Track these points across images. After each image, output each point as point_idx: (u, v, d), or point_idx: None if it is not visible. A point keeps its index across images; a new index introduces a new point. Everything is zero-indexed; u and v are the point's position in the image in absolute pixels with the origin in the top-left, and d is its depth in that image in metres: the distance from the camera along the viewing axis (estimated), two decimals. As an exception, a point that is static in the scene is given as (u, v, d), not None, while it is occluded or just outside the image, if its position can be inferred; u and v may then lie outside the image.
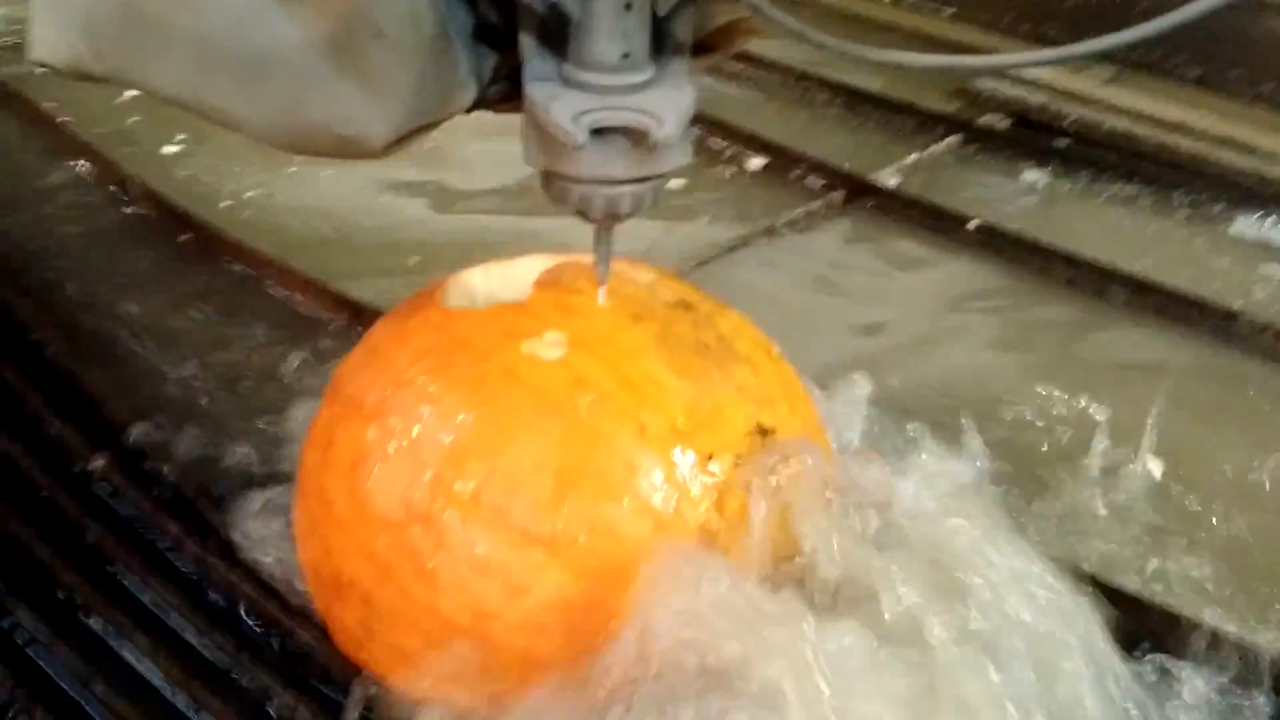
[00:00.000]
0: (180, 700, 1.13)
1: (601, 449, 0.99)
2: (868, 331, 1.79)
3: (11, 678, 1.12)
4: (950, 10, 2.87)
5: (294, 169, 2.11)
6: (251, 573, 1.24)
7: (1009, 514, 1.06)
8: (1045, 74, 2.53)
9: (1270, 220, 2.08)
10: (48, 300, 1.72)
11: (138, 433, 1.42)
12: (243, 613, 1.21)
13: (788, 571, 1.00)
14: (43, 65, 0.94)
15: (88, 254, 1.86)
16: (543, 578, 0.97)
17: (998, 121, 2.45)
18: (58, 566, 1.24)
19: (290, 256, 1.82)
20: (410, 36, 0.87)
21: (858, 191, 2.15)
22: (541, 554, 0.97)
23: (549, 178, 0.96)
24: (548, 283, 1.12)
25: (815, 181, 2.19)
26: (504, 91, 1.00)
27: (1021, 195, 2.22)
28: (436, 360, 1.04)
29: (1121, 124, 2.37)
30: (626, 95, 0.91)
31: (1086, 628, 0.98)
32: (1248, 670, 1.08)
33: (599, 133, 0.90)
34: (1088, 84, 2.51)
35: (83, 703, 1.12)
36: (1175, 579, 1.26)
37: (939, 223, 2.06)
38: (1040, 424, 1.53)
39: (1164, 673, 1.08)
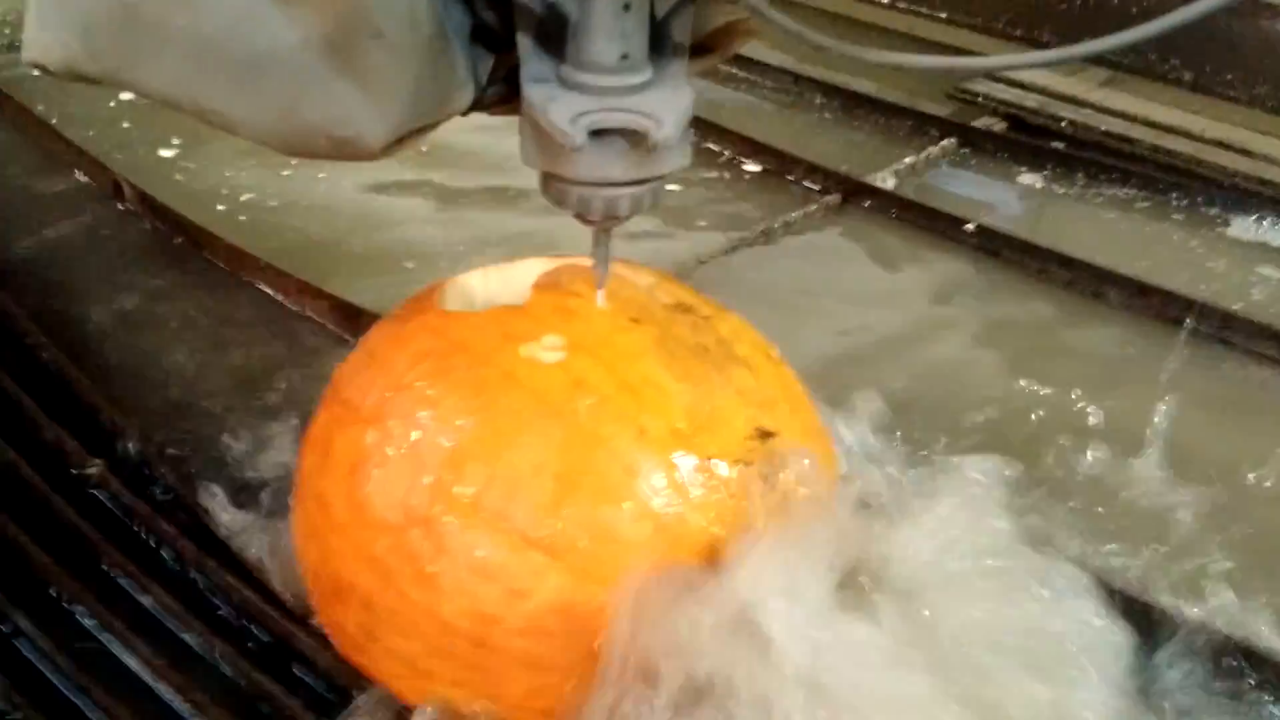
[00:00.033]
0: (180, 706, 1.12)
1: (601, 452, 0.99)
2: (865, 334, 1.78)
3: (11, 686, 1.11)
4: (943, 13, 2.87)
5: (289, 172, 2.11)
6: (251, 578, 1.23)
7: (1017, 515, 1.05)
8: (1040, 77, 2.54)
9: (1267, 222, 2.08)
10: (41, 304, 1.72)
11: (134, 437, 1.42)
12: (242, 618, 1.21)
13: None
14: (37, 67, 0.94)
15: (82, 258, 1.85)
16: (544, 582, 0.97)
17: (993, 124, 2.45)
18: (56, 573, 1.23)
19: (286, 260, 1.81)
20: (408, 37, 0.86)
21: (854, 194, 2.15)
22: (542, 558, 0.96)
23: (547, 179, 0.96)
24: (546, 285, 1.12)
25: (811, 184, 2.19)
26: (500, 93, 1.00)
27: (1017, 198, 2.22)
28: (435, 364, 1.04)
29: (1117, 127, 2.38)
30: (625, 96, 0.90)
31: (1100, 638, 0.97)
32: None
33: (597, 134, 0.89)
34: (1082, 87, 2.51)
35: (83, 709, 1.12)
36: (1187, 579, 1.26)
37: (935, 225, 2.06)
38: (1044, 426, 1.53)
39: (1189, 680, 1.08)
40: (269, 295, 1.77)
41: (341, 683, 1.12)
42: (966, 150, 2.37)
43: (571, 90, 0.90)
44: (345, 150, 0.90)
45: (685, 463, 1.00)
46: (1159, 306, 1.82)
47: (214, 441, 1.42)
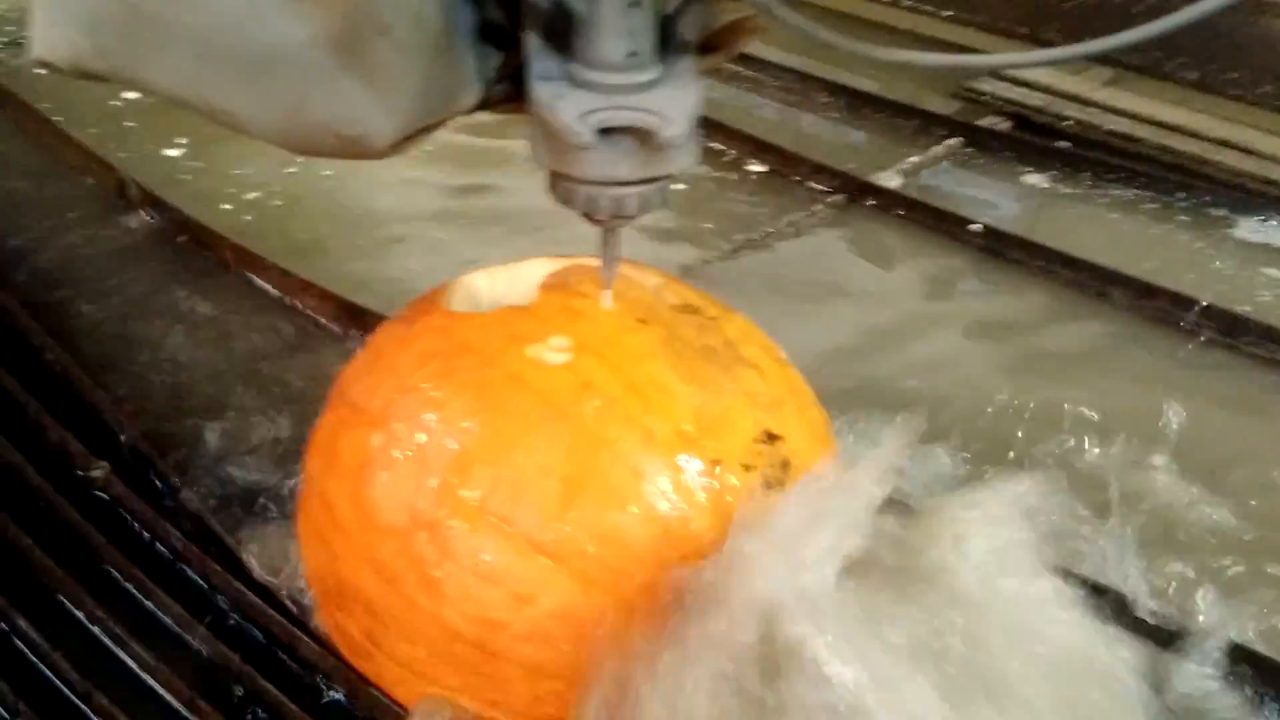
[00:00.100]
0: (182, 710, 1.11)
1: (608, 455, 0.98)
2: (870, 333, 1.78)
3: (12, 689, 1.10)
4: (948, 12, 2.86)
5: (294, 170, 2.10)
6: (255, 581, 1.22)
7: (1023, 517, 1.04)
8: (1044, 76, 2.53)
9: (1273, 223, 2.07)
10: (46, 305, 1.71)
11: (138, 439, 1.41)
12: (247, 622, 1.20)
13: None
14: (43, 64, 0.93)
15: (86, 257, 1.85)
16: (549, 587, 0.96)
17: (998, 124, 2.44)
18: (59, 575, 1.23)
19: (291, 260, 1.81)
20: (416, 34, 0.85)
21: (859, 194, 2.14)
22: (548, 562, 0.96)
23: (555, 178, 0.95)
24: (552, 286, 1.11)
25: (816, 184, 2.19)
26: (507, 91, 0.99)
27: (1022, 198, 2.21)
28: (441, 365, 1.03)
29: (1122, 126, 2.37)
30: (633, 94, 0.90)
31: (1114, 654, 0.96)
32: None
33: (605, 133, 0.89)
34: (1087, 86, 2.50)
35: (85, 711, 1.11)
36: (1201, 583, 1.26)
37: (940, 225, 2.05)
38: (1048, 426, 1.52)
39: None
40: (274, 295, 1.76)
41: (348, 689, 1.11)
42: (971, 149, 2.36)
43: (579, 88, 0.89)
44: (352, 148, 0.89)
45: (692, 466, 0.99)
46: (1165, 307, 1.81)
47: (218, 442, 1.41)
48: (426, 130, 0.93)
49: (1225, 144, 2.28)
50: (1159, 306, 1.81)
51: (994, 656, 0.91)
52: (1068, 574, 1.03)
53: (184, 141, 2.20)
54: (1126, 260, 1.90)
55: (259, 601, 1.20)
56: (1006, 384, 1.64)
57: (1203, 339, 1.75)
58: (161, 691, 1.13)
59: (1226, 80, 2.47)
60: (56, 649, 1.15)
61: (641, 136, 0.90)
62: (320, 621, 1.16)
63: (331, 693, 1.13)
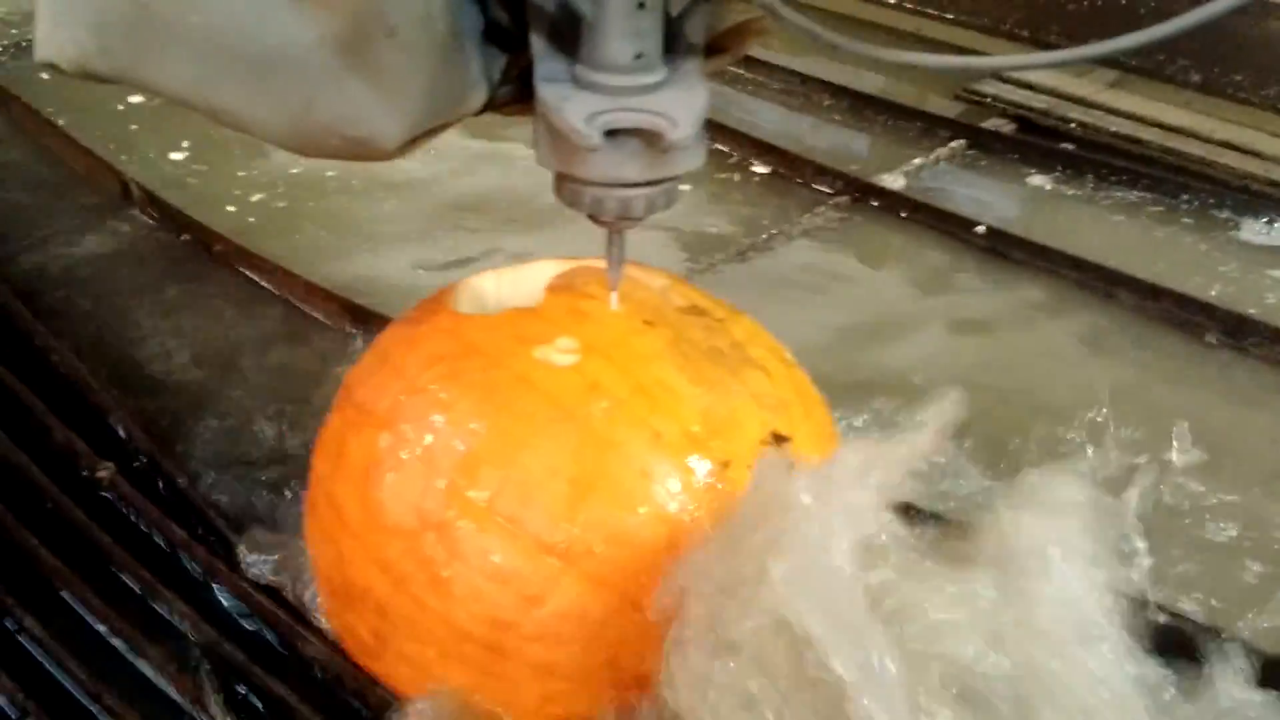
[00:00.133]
0: (190, 709, 1.12)
1: (616, 456, 0.98)
2: (875, 334, 1.77)
3: (22, 689, 1.11)
4: (950, 14, 2.86)
5: (297, 172, 2.10)
6: (263, 582, 1.22)
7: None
8: (1048, 78, 2.53)
9: (1277, 225, 2.07)
10: (51, 307, 1.71)
11: (144, 440, 1.41)
12: (255, 622, 1.20)
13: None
14: (49, 65, 0.93)
15: (90, 259, 1.85)
16: (558, 587, 0.96)
17: (1002, 126, 2.44)
18: (66, 575, 1.23)
19: (296, 262, 1.81)
20: (423, 36, 0.85)
21: (863, 195, 2.14)
22: (556, 563, 0.96)
23: (560, 180, 0.95)
24: (559, 287, 1.11)
25: (820, 186, 2.19)
26: (512, 93, 0.99)
27: (1027, 199, 2.21)
28: (448, 366, 1.03)
29: (1126, 128, 2.37)
30: (639, 96, 0.90)
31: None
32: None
33: (611, 134, 0.89)
34: (1091, 88, 2.50)
35: (93, 712, 1.11)
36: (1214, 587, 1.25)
37: (945, 226, 2.05)
38: (1054, 426, 1.52)
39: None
40: (279, 297, 1.76)
41: (355, 688, 1.11)
42: (975, 151, 2.36)
43: (585, 90, 0.90)
44: (359, 150, 0.89)
45: (701, 467, 0.99)
46: (1171, 309, 1.81)
47: (224, 444, 1.41)
48: (433, 132, 0.93)
49: (1229, 146, 2.28)
50: (1165, 308, 1.81)
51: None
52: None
53: (187, 144, 2.20)
54: (1131, 262, 1.90)
55: (266, 601, 1.20)
56: (1010, 383, 1.64)
57: (1209, 340, 1.75)
58: (169, 690, 1.13)
59: (1230, 82, 2.46)
60: (64, 648, 1.15)
61: (648, 138, 0.90)
62: (328, 621, 1.16)
63: (339, 692, 1.13)
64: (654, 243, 1.92)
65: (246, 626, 1.20)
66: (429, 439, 1.00)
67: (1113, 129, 2.37)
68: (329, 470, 1.07)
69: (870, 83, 2.57)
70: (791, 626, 0.83)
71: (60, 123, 2.22)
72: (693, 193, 2.11)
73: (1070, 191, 2.23)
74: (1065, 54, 0.81)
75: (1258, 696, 0.94)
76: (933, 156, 2.31)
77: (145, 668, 1.15)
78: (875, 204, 2.13)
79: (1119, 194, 2.20)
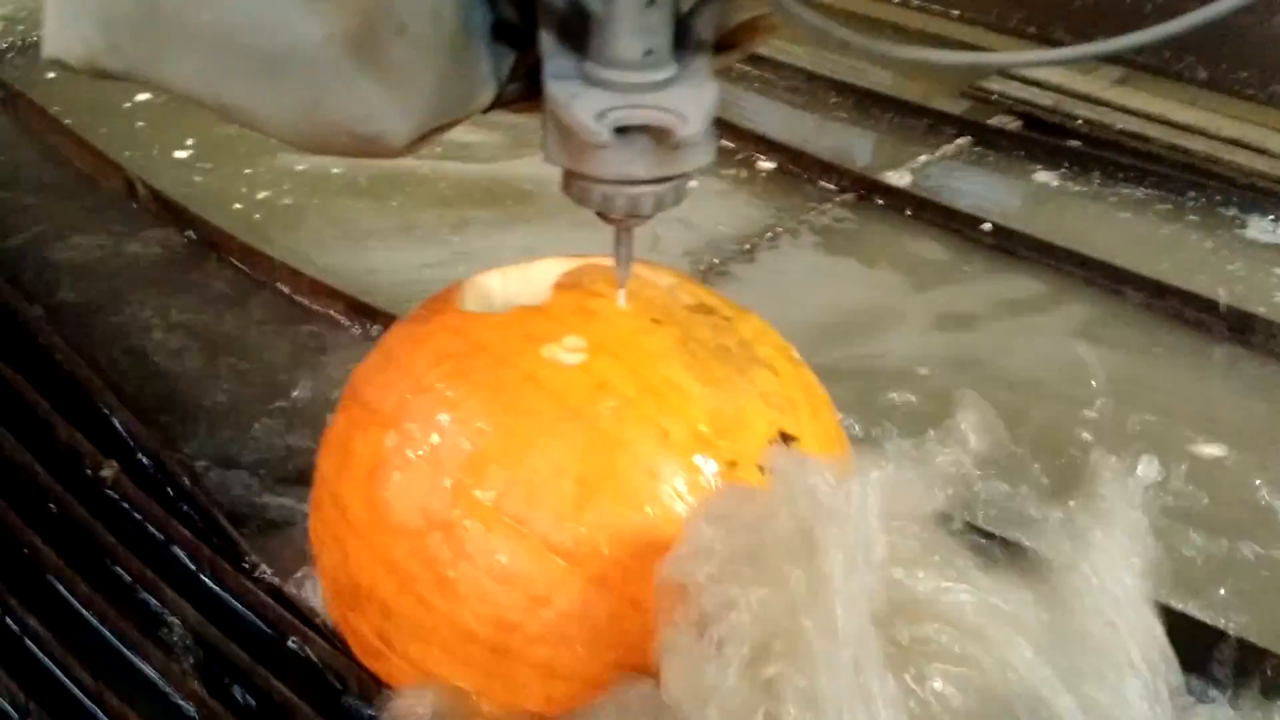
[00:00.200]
0: (194, 711, 1.11)
1: (623, 456, 0.97)
2: (881, 333, 1.77)
3: (23, 689, 1.10)
4: (956, 11, 2.85)
5: (303, 169, 2.10)
6: (267, 582, 1.22)
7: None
8: (1054, 75, 2.52)
9: (1286, 223, 2.07)
10: (55, 305, 1.71)
11: (148, 439, 1.41)
12: (259, 623, 1.20)
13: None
14: (57, 63, 0.93)
15: (95, 258, 1.85)
16: (565, 588, 0.95)
17: (1008, 122, 2.43)
18: (69, 575, 1.22)
19: (302, 259, 1.81)
20: (433, 33, 0.85)
21: (869, 192, 2.14)
22: (563, 563, 0.95)
23: (569, 177, 0.95)
24: (566, 285, 1.11)
25: (826, 182, 2.18)
26: (520, 90, 0.99)
27: (1033, 197, 2.20)
28: (455, 365, 1.03)
29: (1132, 125, 2.36)
30: (649, 93, 0.89)
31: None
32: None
33: (621, 131, 0.88)
34: (1097, 85, 2.49)
35: (96, 713, 1.11)
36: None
37: (951, 224, 2.05)
38: (1059, 426, 1.52)
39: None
40: (284, 294, 1.76)
41: (360, 689, 1.11)
42: (981, 149, 2.35)
43: (595, 87, 0.89)
44: (368, 148, 0.89)
45: (708, 467, 0.99)
46: (1178, 307, 1.80)
47: (229, 443, 1.41)
48: (441, 129, 0.93)
49: (1236, 143, 2.27)
50: (1172, 306, 1.80)
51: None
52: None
53: (191, 142, 2.20)
54: (1138, 259, 1.89)
55: (270, 601, 1.20)
56: (1016, 383, 1.64)
57: (1217, 339, 1.74)
58: (172, 691, 1.13)
59: (1237, 79, 2.45)
60: (67, 648, 1.15)
61: (657, 135, 0.89)
62: (332, 621, 1.15)
63: (343, 693, 1.12)
64: (659, 240, 1.91)
65: (250, 626, 1.20)
66: (435, 438, 0.99)
67: (1119, 126, 2.36)
68: (334, 469, 1.06)
69: (876, 80, 2.56)
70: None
71: (65, 120, 2.21)
72: (698, 190, 2.10)
73: (1076, 188, 2.22)
74: (1076, 50, 0.81)
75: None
76: (938, 153, 2.30)
77: (147, 668, 1.15)
78: (881, 201, 2.12)
79: (1125, 191, 2.19)
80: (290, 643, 1.17)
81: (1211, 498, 1.40)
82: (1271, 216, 2.08)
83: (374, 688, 1.09)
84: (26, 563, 1.25)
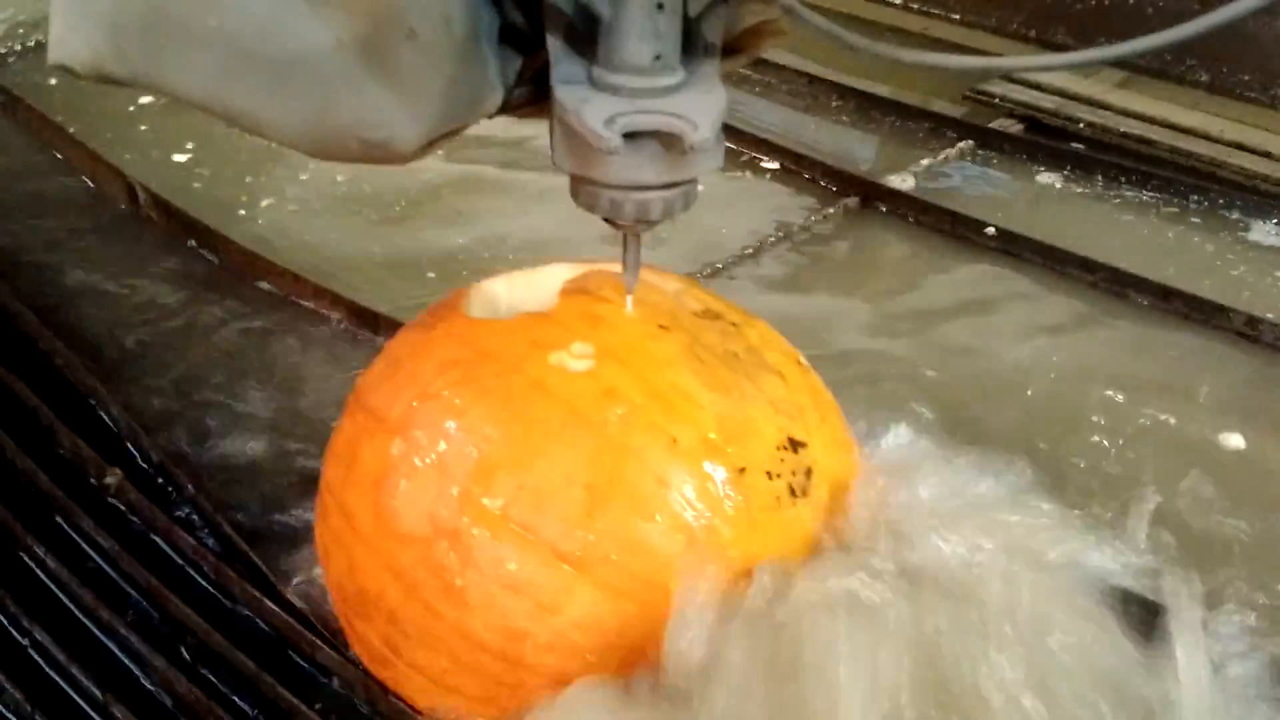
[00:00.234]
0: (199, 720, 1.11)
1: (632, 463, 0.97)
2: (887, 336, 1.77)
3: (28, 699, 1.09)
4: (956, 15, 2.85)
5: (307, 176, 2.09)
6: (273, 590, 1.21)
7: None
8: (1056, 79, 2.51)
9: (1288, 226, 2.07)
10: (57, 312, 1.70)
11: (150, 445, 1.40)
12: (263, 629, 1.19)
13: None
14: (62, 68, 0.92)
15: (97, 263, 1.84)
16: (573, 596, 0.95)
17: (1010, 126, 2.43)
18: (73, 586, 1.21)
19: (305, 266, 1.80)
20: (442, 38, 0.84)
21: (872, 196, 2.13)
22: (572, 571, 0.95)
23: (577, 182, 0.94)
24: (573, 291, 1.10)
25: (829, 186, 2.18)
26: (527, 95, 0.98)
27: (1036, 200, 2.20)
28: (462, 372, 1.02)
29: (1135, 128, 2.36)
30: (658, 98, 0.89)
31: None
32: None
33: (629, 137, 0.88)
34: (1099, 89, 2.49)
35: (101, 721, 1.10)
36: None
37: (954, 228, 2.04)
38: (1065, 426, 1.52)
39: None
40: (287, 300, 1.75)
41: (366, 696, 1.10)
42: (984, 152, 2.35)
43: (603, 92, 0.89)
44: (376, 153, 0.88)
45: (717, 473, 0.98)
46: (1182, 310, 1.80)
47: (234, 450, 1.40)
48: (450, 135, 0.92)
49: (1239, 146, 2.27)
50: (1176, 309, 1.80)
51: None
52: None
53: (191, 146, 2.19)
54: (1141, 262, 1.89)
55: (275, 608, 1.19)
56: (1020, 383, 1.63)
57: (1221, 340, 1.74)
58: (177, 700, 1.12)
59: (1239, 82, 2.46)
60: (71, 658, 1.14)
61: (666, 140, 0.89)
62: (339, 629, 1.14)
63: (351, 701, 1.11)
64: (660, 245, 1.91)
65: (256, 634, 1.19)
66: (442, 445, 0.99)
67: (1121, 129, 2.36)
68: (340, 477, 1.06)
69: (878, 84, 2.56)
70: None
71: (68, 127, 2.20)
72: (703, 194, 2.09)
73: (1079, 191, 2.22)
74: (1085, 54, 0.80)
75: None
76: (941, 157, 2.30)
77: (152, 677, 1.14)
78: (884, 205, 2.12)
79: (1128, 194, 2.19)
80: (296, 651, 1.16)
81: (1229, 502, 1.40)
82: (1274, 219, 2.08)
83: (381, 695, 1.08)
84: (30, 571, 1.24)
